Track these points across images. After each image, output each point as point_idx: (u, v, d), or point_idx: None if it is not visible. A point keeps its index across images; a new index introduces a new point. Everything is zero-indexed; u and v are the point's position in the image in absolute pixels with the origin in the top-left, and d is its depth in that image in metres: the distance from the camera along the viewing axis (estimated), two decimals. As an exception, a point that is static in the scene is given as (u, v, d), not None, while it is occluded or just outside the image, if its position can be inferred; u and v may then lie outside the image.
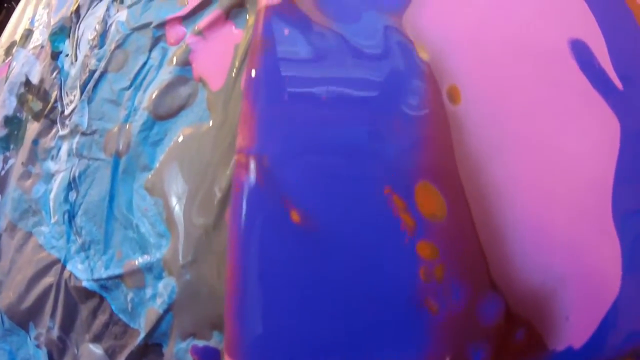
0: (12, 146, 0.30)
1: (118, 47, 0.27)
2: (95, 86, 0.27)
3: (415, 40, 0.19)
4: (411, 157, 0.18)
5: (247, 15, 0.25)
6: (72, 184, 0.26)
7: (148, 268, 0.24)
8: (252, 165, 0.17)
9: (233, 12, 0.25)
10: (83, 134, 0.26)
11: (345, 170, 0.18)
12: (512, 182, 0.18)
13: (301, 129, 0.18)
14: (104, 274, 0.25)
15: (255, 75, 0.18)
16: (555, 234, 0.19)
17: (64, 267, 0.27)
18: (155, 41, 0.26)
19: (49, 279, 0.27)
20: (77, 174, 0.26)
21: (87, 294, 0.26)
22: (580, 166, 0.19)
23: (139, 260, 0.24)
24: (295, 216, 0.17)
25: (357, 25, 0.19)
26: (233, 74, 0.24)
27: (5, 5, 0.87)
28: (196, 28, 0.25)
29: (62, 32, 0.30)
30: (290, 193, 0.17)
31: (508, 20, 0.20)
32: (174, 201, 0.24)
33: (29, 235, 0.28)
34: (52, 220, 0.27)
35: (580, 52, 0.21)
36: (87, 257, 0.26)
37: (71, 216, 0.26)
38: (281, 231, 0.17)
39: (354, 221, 0.17)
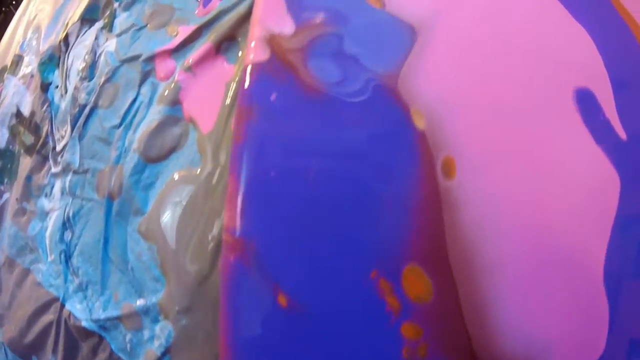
0: (6, 180, 0.29)
1: (107, 80, 0.26)
2: (85, 122, 0.26)
3: (411, 103, 0.18)
4: (400, 239, 0.17)
5: (239, 50, 0.24)
6: (66, 224, 0.26)
7: (145, 311, 0.24)
8: (240, 248, 0.17)
9: (224, 46, 0.24)
10: (75, 172, 0.26)
11: (333, 254, 0.17)
12: (504, 263, 0.18)
13: (288, 210, 0.17)
14: (102, 315, 0.25)
15: (240, 147, 0.18)
16: (542, 303, 0.18)
17: (62, 305, 0.26)
18: (145, 76, 0.25)
19: (49, 316, 0.27)
20: (71, 214, 0.26)
21: (87, 333, 0.26)
22: (572, 238, 0.18)
23: (136, 304, 0.24)
24: (282, 300, 0.17)
25: (349, 87, 0.18)
26: (224, 116, 0.23)
27: (3, 9, 0.86)
28: (186, 63, 0.24)
29: (51, 61, 0.29)
30: (277, 277, 0.16)
31: (511, 77, 0.19)
32: (167, 247, 0.23)
33: (27, 271, 0.28)
34: (49, 259, 0.27)
35: (586, 103, 0.19)
36: (85, 297, 0.26)
37: (67, 256, 0.26)
38: (269, 315, 0.16)
39: (340, 305, 0.17)
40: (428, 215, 0.17)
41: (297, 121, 0.17)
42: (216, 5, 0.26)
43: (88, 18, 0.29)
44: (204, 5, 0.26)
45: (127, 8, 0.28)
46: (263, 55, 0.18)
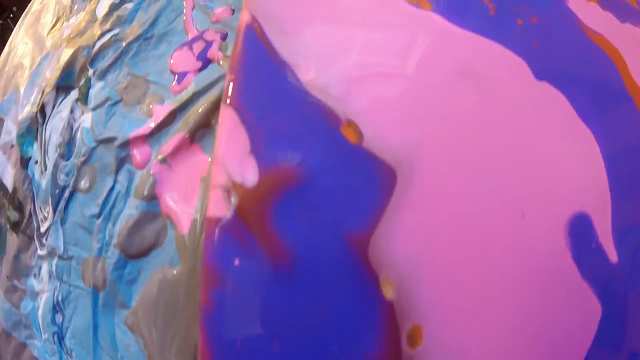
0: None
1: (84, 162, 0.25)
2: (66, 207, 0.26)
3: (381, 269, 0.17)
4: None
5: (214, 137, 0.23)
6: (56, 307, 0.26)
7: (137, 398, 0.25)
8: None
9: (199, 134, 0.23)
10: (60, 257, 0.26)
11: None
12: None
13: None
14: (98, 396, 0.26)
15: (207, 313, 0.17)
16: None
17: (60, 381, 0.27)
18: (120, 163, 0.24)
19: (48, 391, 0.28)
20: (60, 298, 0.26)
21: (85, 409, 0.27)
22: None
23: (128, 390, 0.25)
24: None
25: (317, 251, 0.17)
26: (200, 217, 0.22)
27: (0, 22, 0.83)
28: (161, 153, 0.23)
29: (29, 133, 0.28)
30: None
31: (495, 228, 0.17)
32: (152, 343, 0.23)
33: (23, 345, 0.28)
34: (43, 337, 0.27)
35: (579, 234, 0.18)
36: (81, 377, 0.26)
37: (60, 337, 0.26)
38: None
39: None
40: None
41: (261, 290, 0.17)
42: (191, 82, 0.25)
43: (63, 85, 0.28)
44: (179, 81, 0.25)
45: (101, 77, 0.27)
46: (224, 209, 0.17)
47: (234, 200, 0.17)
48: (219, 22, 0.26)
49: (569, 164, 0.19)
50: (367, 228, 0.17)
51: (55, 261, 0.26)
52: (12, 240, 0.28)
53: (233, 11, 0.27)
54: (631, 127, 0.21)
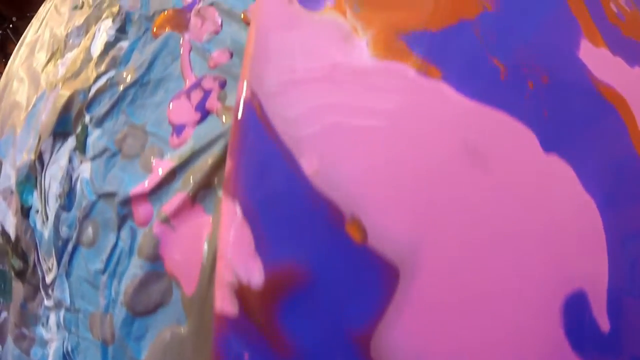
0: (1, 300, 0.30)
1: (86, 216, 0.25)
2: (70, 260, 0.26)
3: None
4: None
5: (216, 197, 0.23)
6: (67, 357, 0.26)
7: None
8: None
9: (200, 194, 0.23)
10: (67, 309, 0.26)
11: None
12: None
13: None
14: None
15: None
16: None
17: None
18: (122, 220, 0.24)
19: None
20: (69, 349, 0.26)
21: None
22: None
23: None
24: None
25: (324, 353, 0.17)
26: (205, 278, 0.22)
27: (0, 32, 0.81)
28: (162, 213, 0.23)
29: (28, 181, 0.28)
30: None
31: (492, 319, 0.17)
32: None
33: None
34: None
35: (574, 308, 0.18)
36: (96, 423, 0.27)
37: None
38: None
39: None
40: None
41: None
42: (190, 135, 0.24)
43: (60, 132, 0.28)
44: (177, 134, 0.25)
45: (98, 124, 0.27)
46: (232, 308, 0.17)
47: (241, 298, 0.17)
48: (217, 67, 0.26)
49: (571, 241, 0.19)
50: (370, 327, 0.17)
51: (62, 313, 0.26)
52: (18, 288, 0.28)
53: (231, 54, 0.26)
54: (635, 190, 0.21)
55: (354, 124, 0.18)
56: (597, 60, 0.22)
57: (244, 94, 0.19)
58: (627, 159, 0.21)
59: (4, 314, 0.30)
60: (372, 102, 0.19)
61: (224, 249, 0.18)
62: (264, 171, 0.18)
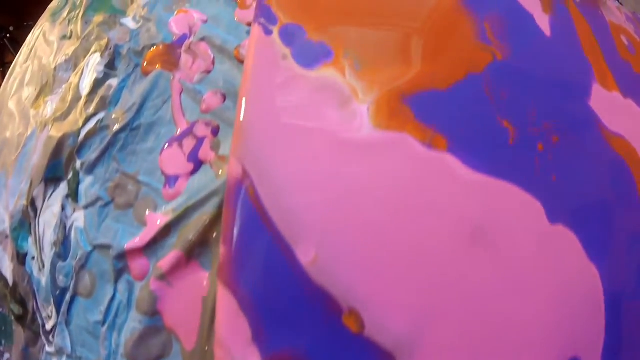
0: (3, 341, 0.30)
1: (82, 267, 0.25)
2: (69, 309, 0.26)
3: None
4: None
5: (212, 254, 0.23)
6: None
7: None
8: None
9: (196, 252, 0.23)
10: (69, 356, 0.26)
11: None
12: None
13: None
14: None
15: None
16: None
17: None
18: (119, 273, 0.24)
19: None
20: None
21: None
22: None
23: None
24: None
25: None
26: (204, 334, 0.22)
27: None
28: (159, 269, 0.23)
29: (22, 227, 0.28)
30: None
31: None
32: None
33: None
34: None
35: None
36: None
37: None
38: None
39: None
40: None
41: None
42: (183, 188, 0.24)
43: (52, 177, 0.27)
44: (170, 185, 0.24)
45: (89, 171, 0.26)
46: None
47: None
48: (209, 111, 0.25)
49: (571, 312, 0.19)
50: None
51: (64, 359, 0.27)
52: (19, 332, 0.28)
53: (224, 97, 0.25)
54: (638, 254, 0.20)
55: (351, 209, 0.18)
56: (609, 106, 0.22)
57: (235, 172, 0.18)
58: (633, 218, 0.21)
59: (7, 356, 0.30)
60: (372, 181, 0.18)
61: (221, 337, 0.18)
62: (258, 260, 0.18)
